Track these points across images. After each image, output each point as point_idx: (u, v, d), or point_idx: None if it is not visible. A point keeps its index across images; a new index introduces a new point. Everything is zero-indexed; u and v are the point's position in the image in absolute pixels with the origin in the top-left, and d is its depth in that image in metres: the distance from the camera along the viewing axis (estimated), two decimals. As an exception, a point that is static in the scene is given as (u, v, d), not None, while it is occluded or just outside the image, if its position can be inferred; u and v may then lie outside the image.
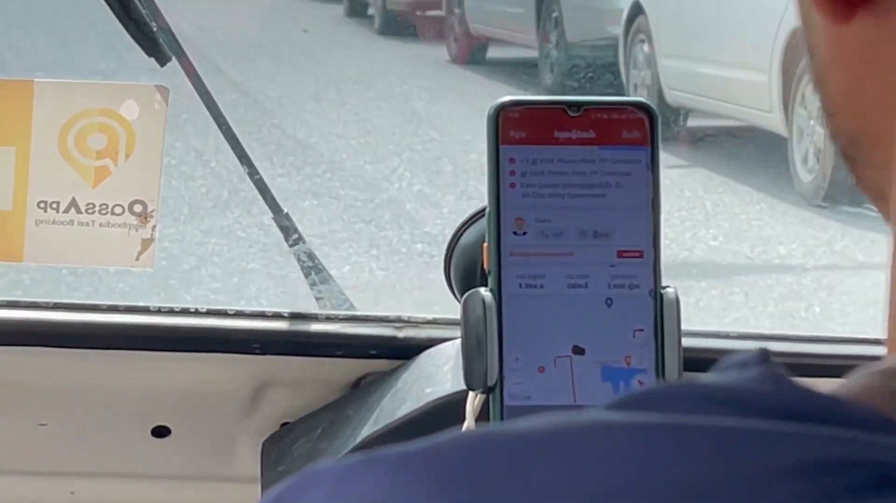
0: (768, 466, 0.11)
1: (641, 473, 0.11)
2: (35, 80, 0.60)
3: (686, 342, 0.49)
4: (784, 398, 0.12)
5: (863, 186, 0.19)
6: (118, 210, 0.59)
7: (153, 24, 0.62)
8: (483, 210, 0.49)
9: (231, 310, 0.73)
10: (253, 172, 0.71)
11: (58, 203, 0.58)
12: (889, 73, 0.16)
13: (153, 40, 0.62)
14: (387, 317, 0.70)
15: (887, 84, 0.16)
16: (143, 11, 0.61)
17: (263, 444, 0.71)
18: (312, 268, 0.71)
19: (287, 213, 0.74)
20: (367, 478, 0.13)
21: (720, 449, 0.11)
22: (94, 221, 0.59)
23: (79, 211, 0.59)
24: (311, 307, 0.74)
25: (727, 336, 0.70)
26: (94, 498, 0.72)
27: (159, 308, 0.72)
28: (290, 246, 0.73)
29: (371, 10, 5.70)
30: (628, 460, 0.11)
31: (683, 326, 0.48)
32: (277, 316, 0.72)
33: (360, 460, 0.14)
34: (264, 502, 0.19)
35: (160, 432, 0.69)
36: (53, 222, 0.59)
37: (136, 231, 0.60)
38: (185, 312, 0.74)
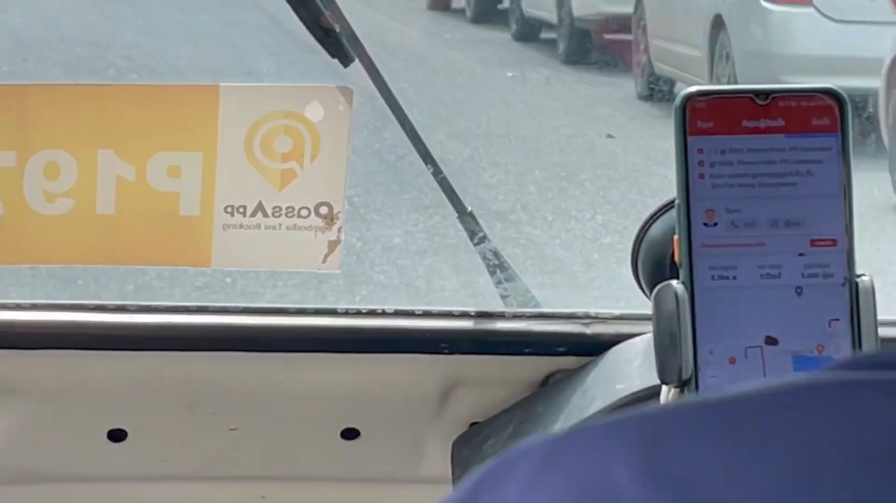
0: None
1: (860, 425, 0.13)
2: (221, 84, 0.60)
3: (882, 332, 0.48)
4: None
5: None
6: (304, 213, 0.59)
7: (336, 26, 0.62)
8: (671, 202, 0.49)
9: (418, 310, 0.75)
10: (437, 171, 0.71)
11: (244, 207, 0.59)
12: None
13: (337, 42, 0.62)
14: (574, 313, 0.70)
15: None
16: (327, 13, 0.61)
17: (453, 444, 0.71)
18: (498, 266, 0.70)
19: (471, 212, 0.73)
20: (578, 448, 0.13)
21: None
22: (280, 224, 0.60)
23: (265, 215, 0.60)
24: (497, 305, 0.74)
25: None
26: (284, 501, 0.73)
27: (346, 310, 0.74)
28: (475, 244, 0.73)
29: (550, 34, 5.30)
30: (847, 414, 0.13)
31: (879, 315, 0.47)
32: (464, 315, 0.73)
33: (569, 433, 0.15)
34: (475, 479, 0.17)
35: (349, 434, 0.70)
36: (240, 226, 0.60)
37: (323, 233, 0.61)
38: (372, 314, 0.75)
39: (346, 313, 0.71)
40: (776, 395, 0.15)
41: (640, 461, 0.13)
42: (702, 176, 0.47)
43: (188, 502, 0.71)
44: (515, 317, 0.72)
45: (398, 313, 0.73)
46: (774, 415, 0.14)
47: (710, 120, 0.47)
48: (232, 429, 0.68)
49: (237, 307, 0.72)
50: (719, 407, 0.16)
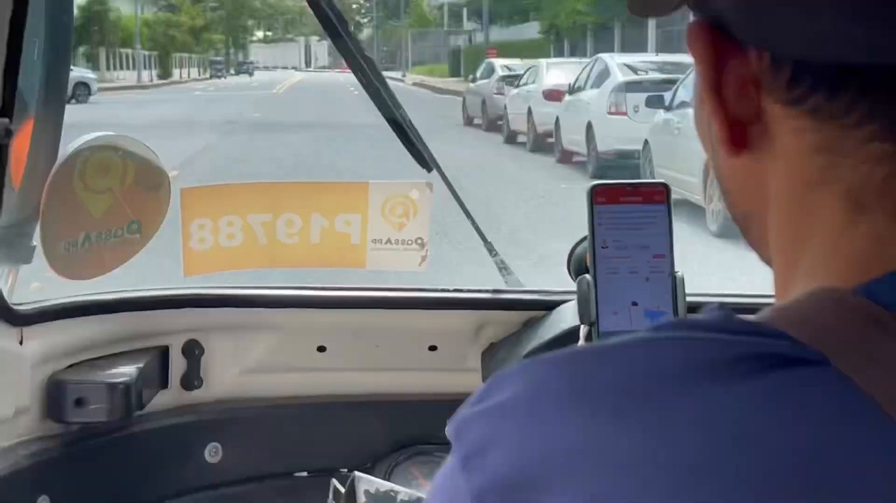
0: (719, 357, 0.20)
1: (652, 361, 0.21)
2: (370, 181, 1.07)
3: (692, 299, 0.85)
4: (728, 323, 0.22)
5: (748, 241, 0.30)
6: (410, 242, 1.05)
7: (420, 143, 1.06)
8: (584, 237, 0.87)
9: (464, 288, 1.15)
10: (490, 248, 1.13)
11: (382, 239, 1.05)
12: (760, 188, 0.26)
13: (421, 154, 1.05)
14: (542, 290, 1.10)
15: (759, 194, 0.26)
16: (415, 133, 1.07)
17: (482, 355, 1.11)
18: (504, 269, 1.11)
19: (499, 258, 1.13)
20: (530, 370, 0.24)
21: (696, 348, 0.21)
22: (400, 248, 1.05)
23: (391, 243, 1.05)
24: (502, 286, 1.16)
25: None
26: (402, 382, 1.14)
27: (432, 288, 1.15)
28: (493, 256, 1.13)
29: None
30: (650, 355, 0.22)
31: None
32: (486, 290, 1.12)
33: (525, 362, 0.25)
34: (483, 387, 0.27)
35: (433, 348, 1.10)
36: (380, 249, 1.07)
37: (418, 252, 1.05)
38: (444, 290, 1.15)
39: (433, 290, 1.12)
40: (627, 344, 0.25)
41: (565, 377, 0.24)
42: (600, 224, 0.84)
43: (358, 387, 1.16)
44: (513, 292, 1.11)
45: (455, 290, 1.12)
46: (613, 356, 0.24)
47: (604, 197, 0.85)
48: (376, 347, 1.09)
49: (373, 287, 1.15)
50: (591, 349, 0.30)
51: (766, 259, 0.31)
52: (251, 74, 35.29)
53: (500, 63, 12.44)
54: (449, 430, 0.28)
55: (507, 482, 0.23)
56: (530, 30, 24.20)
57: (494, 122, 11.03)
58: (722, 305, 0.24)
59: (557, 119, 8.54)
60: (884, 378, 0.21)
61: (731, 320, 0.23)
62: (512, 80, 10.91)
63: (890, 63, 0.23)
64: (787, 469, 0.19)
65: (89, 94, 17.31)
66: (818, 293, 0.25)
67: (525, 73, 10.78)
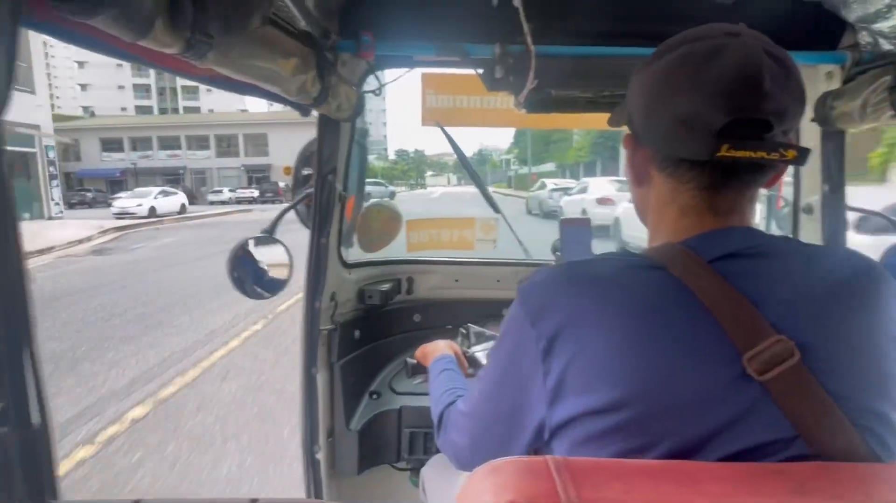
0: (627, 263, 0.64)
1: (603, 265, 0.64)
2: (475, 217, 2.30)
3: None
4: (630, 252, 0.67)
5: (644, 223, 0.76)
6: (488, 242, 2.26)
7: (494, 205, 2.29)
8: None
9: (512, 259, 2.13)
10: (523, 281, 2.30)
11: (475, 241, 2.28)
12: (647, 202, 0.73)
13: (496, 207, 2.27)
14: (541, 260, 2.15)
15: (646, 205, 0.73)
16: (493, 203, 2.28)
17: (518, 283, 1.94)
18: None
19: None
20: (537, 280, 0.66)
21: (619, 259, 0.66)
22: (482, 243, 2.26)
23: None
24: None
25: None
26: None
27: (492, 259, 2.19)
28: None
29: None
30: (602, 261, 0.65)
31: None
32: (519, 262, 2.17)
33: (554, 266, 0.67)
34: (531, 280, 0.67)
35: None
36: (477, 245, 2.28)
37: (491, 244, 2.25)
38: (499, 262, 2.12)
39: (499, 261, 2.08)
40: (595, 259, 0.66)
41: (568, 270, 0.65)
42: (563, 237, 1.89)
43: (471, 295, 1.96)
44: (513, 261, 2.01)
45: (503, 262, 2.00)
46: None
47: (569, 223, 1.94)
48: (497, 281, 2.02)
49: (477, 258, 2.11)
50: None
51: (649, 230, 0.72)
52: (425, 188, 57.82)
53: (549, 181, 20.50)
54: (519, 291, 0.67)
55: (555, 329, 0.61)
56: (548, 165, 42.73)
57: (548, 213, 17.25)
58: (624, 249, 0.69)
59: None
60: (685, 274, 0.59)
61: (632, 252, 0.64)
62: (560, 190, 17.61)
63: (696, 159, 0.62)
64: (653, 305, 0.59)
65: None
66: (664, 244, 0.65)
67: (576, 186, 16.88)
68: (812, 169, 1.51)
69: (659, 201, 0.70)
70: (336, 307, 1.67)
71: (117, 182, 45.26)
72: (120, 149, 48.39)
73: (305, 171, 1.68)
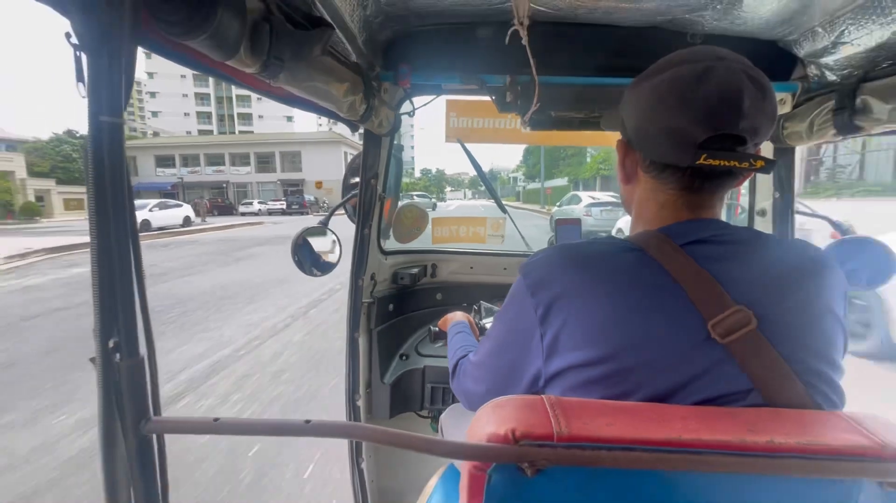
0: (614, 246, 0.62)
1: (596, 247, 0.62)
2: (486, 217, 2.30)
3: None
4: (616, 238, 0.64)
5: (628, 212, 0.74)
6: (496, 237, 2.25)
7: (502, 207, 2.28)
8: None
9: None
10: None
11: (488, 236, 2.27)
12: (632, 196, 0.72)
13: (504, 208, 2.27)
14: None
15: (632, 198, 0.72)
16: (501, 205, 2.29)
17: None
18: None
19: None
20: (553, 249, 0.65)
21: (609, 243, 0.63)
22: (494, 237, 2.26)
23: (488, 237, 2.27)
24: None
25: None
26: None
27: (505, 251, 2.19)
28: None
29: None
30: (595, 244, 0.63)
31: None
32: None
33: (552, 247, 0.66)
34: (533, 257, 0.66)
35: None
36: (488, 239, 2.27)
37: (500, 239, 2.25)
38: (509, 254, 2.10)
39: (505, 252, 2.16)
40: (591, 241, 0.64)
41: (566, 251, 0.63)
42: (558, 229, 1.97)
43: (483, 279, 1.97)
44: (517, 253, 2.04)
45: (509, 253, 2.08)
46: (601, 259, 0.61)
47: (561, 222, 2.01)
48: (510, 268, 2.21)
49: (486, 249, 2.20)
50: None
51: (632, 220, 0.70)
52: (444, 201, 54.45)
53: (585, 194, 15.56)
54: (521, 267, 0.66)
55: (551, 299, 0.61)
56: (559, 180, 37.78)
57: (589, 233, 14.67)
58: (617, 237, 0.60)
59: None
60: (659, 254, 0.59)
61: (615, 237, 0.64)
62: (601, 205, 13.93)
63: (679, 164, 0.61)
64: (634, 281, 0.58)
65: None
66: (644, 231, 0.65)
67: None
68: (765, 179, 1.49)
69: (642, 197, 0.69)
70: (375, 285, 1.70)
71: (169, 194, 42.09)
72: (172, 164, 46.51)
73: (353, 179, 1.67)
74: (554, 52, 1.23)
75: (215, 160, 47.24)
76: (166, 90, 66.39)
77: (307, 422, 0.51)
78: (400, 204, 2.04)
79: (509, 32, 1.00)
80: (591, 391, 0.56)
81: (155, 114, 67.99)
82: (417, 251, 1.97)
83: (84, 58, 0.46)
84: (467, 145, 1.92)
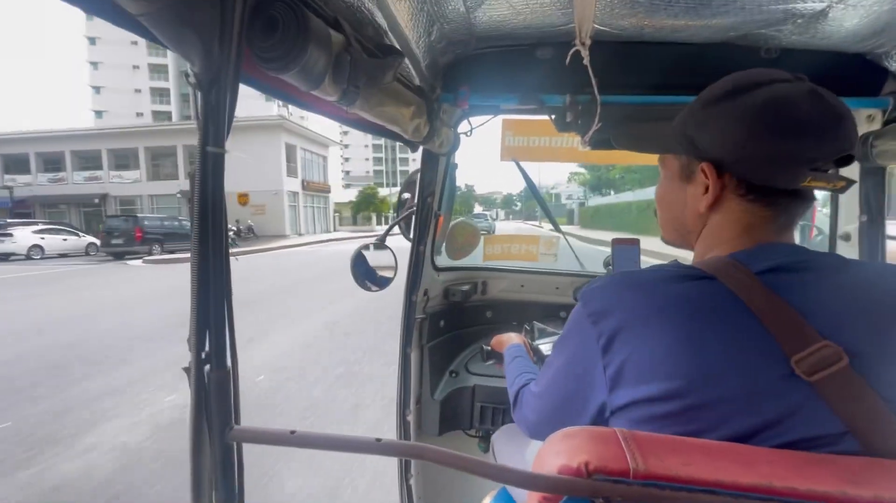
0: (680, 273, 0.59)
1: (658, 273, 0.60)
2: (539, 234, 2.27)
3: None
4: (681, 265, 0.61)
5: (685, 242, 0.72)
6: (549, 256, 2.23)
7: (557, 227, 2.27)
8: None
9: (573, 271, 2.10)
10: None
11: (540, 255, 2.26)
12: (711, 227, 0.66)
13: (558, 227, 2.26)
14: (591, 272, 2.11)
15: (710, 229, 0.66)
16: (556, 225, 2.27)
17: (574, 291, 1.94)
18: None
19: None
20: (594, 286, 0.64)
21: (673, 269, 0.60)
22: (545, 256, 2.23)
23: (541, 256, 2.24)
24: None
25: None
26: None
27: (559, 271, 2.18)
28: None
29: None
30: (658, 271, 0.60)
31: None
32: (580, 273, 2.07)
33: (609, 275, 0.64)
34: (592, 285, 0.64)
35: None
36: (541, 257, 2.25)
37: (553, 257, 2.22)
38: (560, 272, 2.04)
39: (556, 271, 2.07)
40: (652, 268, 0.60)
41: (627, 279, 0.61)
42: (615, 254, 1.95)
43: (534, 297, 1.89)
44: (571, 273, 1.95)
45: (561, 272, 2.05)
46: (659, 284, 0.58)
47: (618, 243, 1.95)
48: (563, 286, 2.18)
49: (539, 268, 2.26)
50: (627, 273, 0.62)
51: (691, 247, 0.69)
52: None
53: None
54: (581, 295, 0.63)
55: (614, 328, 0.58)
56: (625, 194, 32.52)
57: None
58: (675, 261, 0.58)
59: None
60: (733, 283, 0.54)
61: (682, 264, 0.60)
62: None
63: (785, 188, 0.58)
64: (705, 310, 0.54)
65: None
66: (714, 257, 0.61)
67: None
68: (849, 200, 1.38)
69: (724, 220, 0.64)
70: (427, 301, 1.72)
71: (20, 212, 27.26)
72: (26, 168, 30.01)
73: (404, 196, 1.71)
74: (616, 70, 1.22)
75: (89, 162, 30.02)
76: (112, 60, 46.27)
77: (378, 440, 0.53)
78: (453, 221, 2.07)
79: (570, 53, 1.00)
80: (661, 427, 0.53)
81: (97, 89, 47.95)
82: (468, 268, 1.98)
83: (198, 95, 0.51)
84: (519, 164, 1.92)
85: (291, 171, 30.98)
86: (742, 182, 0.63)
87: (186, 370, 0.57)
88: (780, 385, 0.50)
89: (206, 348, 0.57)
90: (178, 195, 28.72)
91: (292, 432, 0.56)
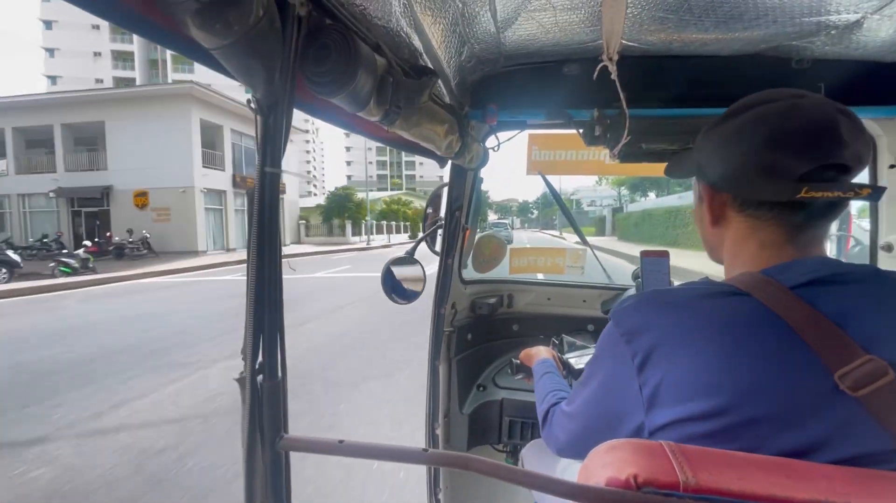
0: (713, 290, 0.59)
1: (690, 291, 0.60)
2: (566, 247, 2.27)
3: None
4: (713, 282, 0.61)
5: (715, 256, 0.72)
6: (576, 268, 2.22)
7: (584, 239, 2.26)
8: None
9: (589, 282, 2.08)
10: None
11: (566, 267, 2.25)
12: (730, 245, 0.67)
13: (585, 240, 2.26)
14: (618, 285, 2.05)
15: (730, 247, 0.67)
16: (583, 237, 2.27)
17: (601, 303, 1.92)
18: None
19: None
20: (623, 307, 0.63)
21: (705, 286, 0.60)
22: (573, 269, 2.23)
23: (569, 269, 2.24)
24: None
25: None
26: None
27: (582, 283, 2.18)
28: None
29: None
30: (690, 288, 0.60)
31: None
32: (595, 286, 2.03)
33: (641, 293, 0.63)
34: (623, 303, 0.63)
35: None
36: (568, 269, 2.24)
37: (581, 269, 2.21)
38: (580, 285, 2.02)
39: (578, 284, 2.14)
40: (683, 286, 0.60)
41: (660, 297, 0.61)
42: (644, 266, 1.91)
43: (559, 310, 1.97)
44: (598, 285, 1.96)
45: (589, 285, 2.01)
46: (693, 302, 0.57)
47: (647, 255, 1.93)
48: (588, 298, 2.16)
49: (565, 281, 2.24)
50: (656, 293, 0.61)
51: (719, 261, 0.70)
52: (485, 231, 46.79)
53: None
54: (612, 314, 0.64)
55: (649, 347, 0.57)
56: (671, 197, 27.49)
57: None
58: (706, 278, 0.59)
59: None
60: (768, 299, 0.54)
61: (714, 281, 0.60)
62: None
63: (778, 200, 0.59)
64: (741, 326, 0.53)
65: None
66: (744, 273, 0.61)
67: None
68: (890, 211, 1.34)
69: (737, 237, 0.66)
70: (455, 314, 1.73)
71: None
72: None
73: (429, 210, 1.74)
74: (644, 84, 1.23)
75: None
76: (67, 19, 40.87)
77: (424, 450, 0.54)
78: (479, 235, 2.09)
79: (598, 68, 1.02)
80: (704, 446, 0.52)
81: (50, 52, 41.91)
82: (496, 281, 1.99)
83: (258, 119, 0.55)
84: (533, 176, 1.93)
85: (213, 161, 20.28)
86: (737, 198, 0.65)
87: (238, 380, 0.60)
88: (826, 401, 0.49)
89: (260, 358, 0.59)
90: (51, 195, 19.36)
91: (340, 441, 0.58)
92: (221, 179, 21.32)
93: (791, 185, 0.57)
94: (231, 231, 21.72)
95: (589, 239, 2.06)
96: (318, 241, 31.88)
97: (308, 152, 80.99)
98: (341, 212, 33.69)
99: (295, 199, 29.74)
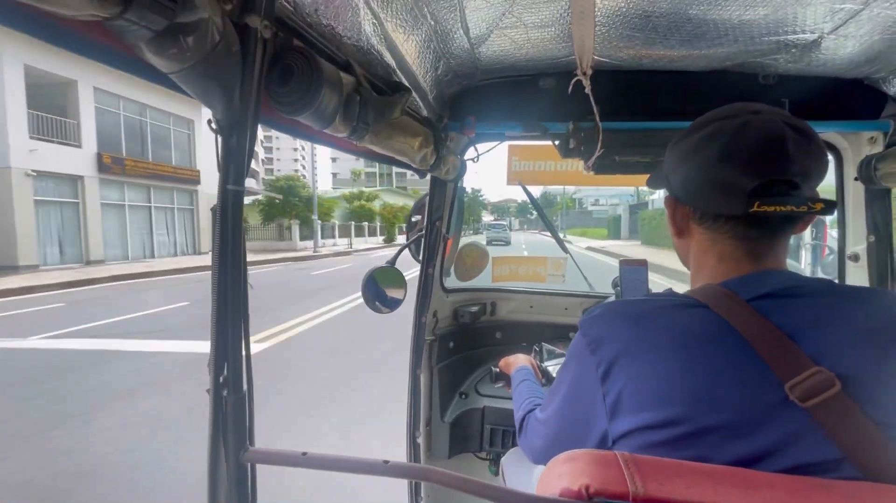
0: (674, 302, 0.61)
1: (652, 304, 0.61)
2: (547, 256, 2.31)
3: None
4: (675, 293, 0.63)
5: (686, 265, 0.73)
6: (558, 276, 2.24)
7: (563, 246, 2.29)
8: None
9: (580, 292, 2.11)
10: None
11: (547, 276, 2.27)
12: (687, 249, 0.71)
13: (565, 248, 2.30)
14: (599, 293, 2.11)
15: (687, 251, 0.71)
16: (563, 245, 2.31)
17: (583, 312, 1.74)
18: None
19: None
20: (592, 315, 0.64)
21: (667, 299, 0.62)
22: (553, 278, 2.26)
23: (548, 277, 2.27)
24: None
25: None
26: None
27: (571, 292, 2.23)
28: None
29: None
30: (651, 300, 0.62)
31: None
32: (588, 294, 2.04)
33: (609, 302, 0.65)
34: (590, 313, 0.66)
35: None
36: (550, 277, 2.26)
37: (561, 277, 2.23)
38: (565, 293, 2.07)
39: (566, 292, 2.18)
40: (646, 298, 0.62)
41: (623, 308, 0.62)
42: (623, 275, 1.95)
43: (542, 318, 1.94)
44: (580, 293, 1.91)
45: (570, 293, 2.03)
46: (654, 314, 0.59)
47: (625, 264, 1.96)
48: (571, 307, 2.19)
49: (549, 289, 2.26)
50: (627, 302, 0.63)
51: (691, 274, 0.70)
52: (480, 233, 38.34)
53: None
54: (581, 323, 0.66)
55: (611, 357, 0.60)
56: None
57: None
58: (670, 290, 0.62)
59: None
60: (725, 311, 0.57)
61: (676, 293, 0.63)
62: None
63: (732, 214, 0.61)
64: (698, 338, 0.56)
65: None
66: (705, 285, 0.63)
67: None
68: (857, 221, 1.39)
69: (699, 250, 0.68)
70: (437, 322, 1.74)
71: None
72: None
73: (414, 218, 1.76)
74: (618, 98, 1.26)
75: None
76: None
77: (385, 462, 0.55)
78: (461, 243, 2.10)
79: (572, 82, 1.04)
80: (661, 455, 0.53)
81: None
82: (478, 289, 1.99)
83: (219, 139, 0.56)
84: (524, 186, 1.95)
85: (58, 132, 14.42)
86: (696, 211, 0.67)
87: (208, 392, 0.60)
88: (777, 411, 0.51)
89: (224, 373, 0.60)
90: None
91: (304, 454, 0.58)
92: (75, 159, 14.64)
93: (743, 200, 0.58)
94: (93, 234, 15.19)
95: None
96: (257, 248, 24.38)
97: (296, 149, 79.27)
98: (286, 210, 25.80)
99: (211, 192, 19.79)
